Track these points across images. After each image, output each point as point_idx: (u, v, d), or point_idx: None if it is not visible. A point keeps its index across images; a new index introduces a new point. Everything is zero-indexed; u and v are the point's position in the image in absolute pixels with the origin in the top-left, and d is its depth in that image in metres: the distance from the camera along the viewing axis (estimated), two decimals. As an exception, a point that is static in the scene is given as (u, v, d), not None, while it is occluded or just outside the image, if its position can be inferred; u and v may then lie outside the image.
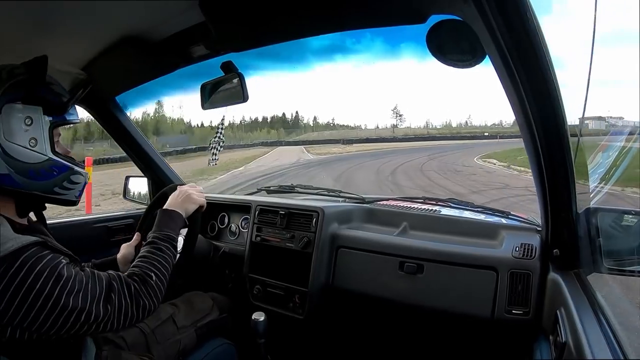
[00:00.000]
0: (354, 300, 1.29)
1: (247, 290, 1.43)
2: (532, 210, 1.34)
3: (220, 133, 2.38)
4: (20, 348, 0.65)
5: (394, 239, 1.25)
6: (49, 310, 0.63)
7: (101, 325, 0.69)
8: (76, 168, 0.80)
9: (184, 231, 1.07)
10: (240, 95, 1.12)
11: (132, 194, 1.85)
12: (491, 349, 1.15)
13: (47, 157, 0.75)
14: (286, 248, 1.36)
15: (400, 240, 1.24)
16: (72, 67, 1.17)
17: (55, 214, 1.91)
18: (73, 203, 0.81)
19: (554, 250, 0.96)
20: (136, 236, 1.11)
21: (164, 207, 0.95)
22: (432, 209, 1.41)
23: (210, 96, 1.19)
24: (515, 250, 1.05)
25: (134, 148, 1.65)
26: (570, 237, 0.92)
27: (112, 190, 9.30)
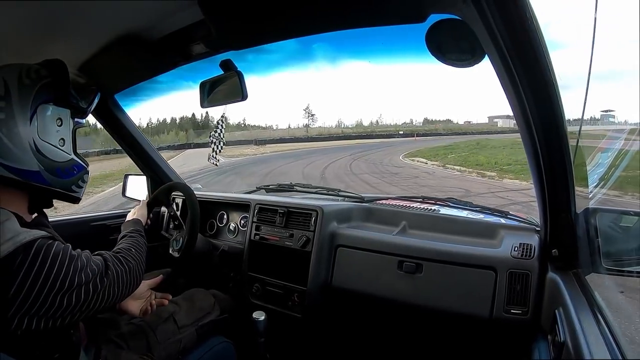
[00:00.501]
0: (353, 299, 1.29)
1: (246, 288, 1.43)
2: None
3: (221, 130, 2.35)
4: (20, 347, 0.65)
5: (393, 238, 1.25)
6: (65, 291, 0.66)
7: (99, 299, 0.73)
8: (88, 168, 0.86)
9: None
10: (240, 93, 1.12)
11: (131, 192, 1.85)
12: (490, 348, 1.15)
13: (71, 157, 0.80)
14: (285, 247, 1.36)
15: (399, 239, 1.24)
16: (71, 67, 1.17)
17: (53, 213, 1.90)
18: (79, 200, 0.85)
19: (553, 250, 0.96)
20: None
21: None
22: (431, 208, 1.41)
23: (209, 94, 1.19)
24: (514, 250, 1.05)
25: (134, 146, 1.64)
26: (569, 237, 0.92)
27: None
